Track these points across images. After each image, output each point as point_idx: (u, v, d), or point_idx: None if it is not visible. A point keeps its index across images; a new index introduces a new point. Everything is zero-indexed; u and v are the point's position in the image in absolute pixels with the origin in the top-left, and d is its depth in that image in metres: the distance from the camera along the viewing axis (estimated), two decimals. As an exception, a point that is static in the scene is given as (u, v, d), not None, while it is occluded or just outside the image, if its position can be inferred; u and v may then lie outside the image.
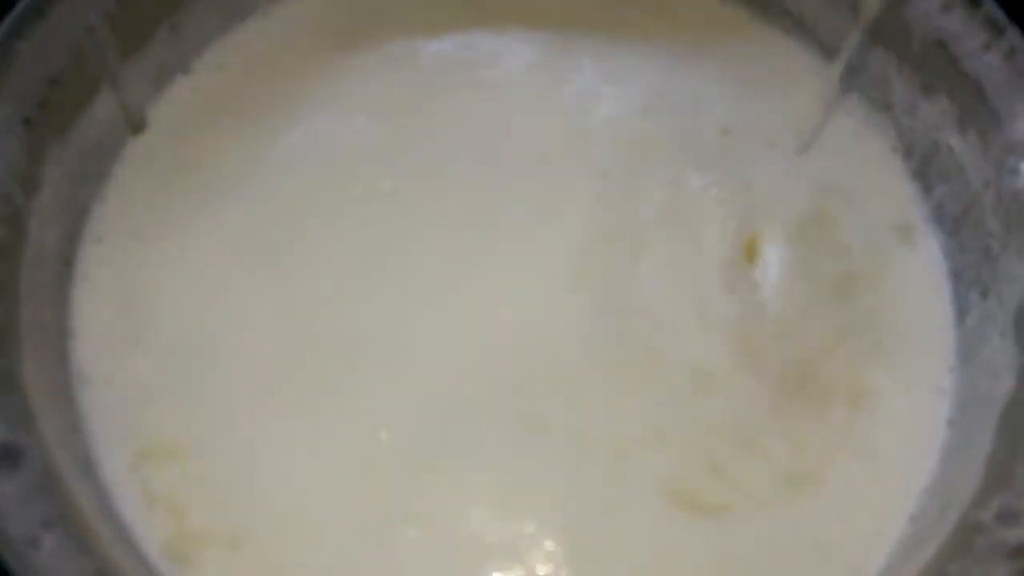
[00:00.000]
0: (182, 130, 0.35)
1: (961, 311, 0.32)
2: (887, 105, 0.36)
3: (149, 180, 0.34)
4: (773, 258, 0.33)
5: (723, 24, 0.38)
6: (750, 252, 0.33)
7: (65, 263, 0.32)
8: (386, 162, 0.34)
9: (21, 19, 0.30)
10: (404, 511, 0.29)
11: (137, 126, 0.34)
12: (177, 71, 0.36)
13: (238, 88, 0.36)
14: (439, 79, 0.36)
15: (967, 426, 0.30)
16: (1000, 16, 0.32)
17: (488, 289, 0.32)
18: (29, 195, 0.30)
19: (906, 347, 0.32)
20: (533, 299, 0.32)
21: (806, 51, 0.37)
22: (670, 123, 0.36)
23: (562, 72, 0.37)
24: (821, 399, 0.31)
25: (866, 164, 0.36)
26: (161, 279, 0.32)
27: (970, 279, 0.32)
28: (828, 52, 0.37)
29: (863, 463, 0.30)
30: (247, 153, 0.35)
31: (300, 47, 0.37)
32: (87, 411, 0.30)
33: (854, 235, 0.34)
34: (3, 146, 0.29)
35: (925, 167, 0.35)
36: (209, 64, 0.36)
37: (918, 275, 0.34)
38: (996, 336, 0.30)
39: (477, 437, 0.30)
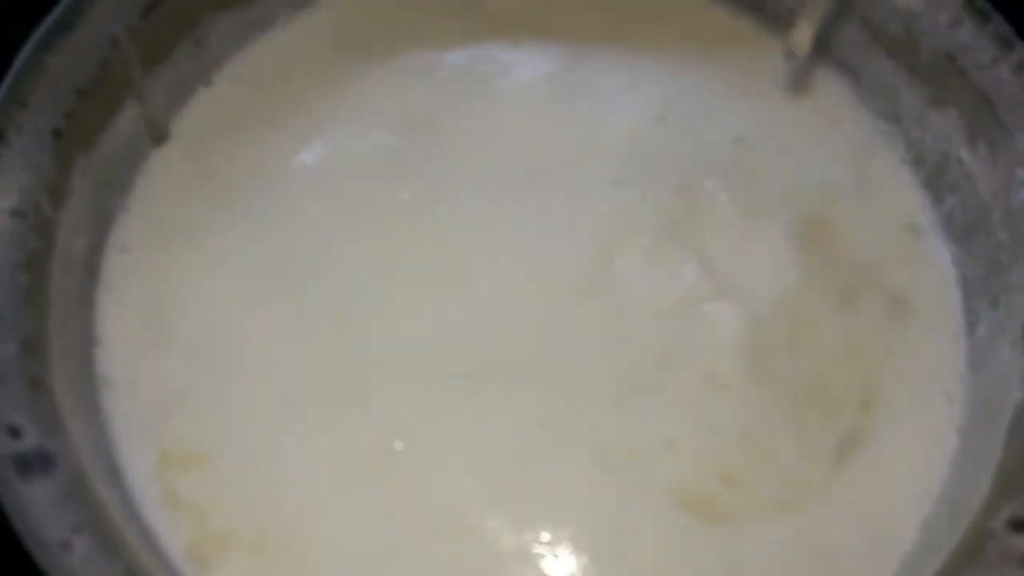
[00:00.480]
0: (203, 142, 0.36)
1: (971, 321, 0.33)
2: (897, 117, 0.36)
3: (171, 191, 0.35)
4: (785, 266, 0.34)
5: (736, 38, 0.39)
6: (758, 256, 0.34)
7: (90, 272, 0.32)
8: (403, 173, 0.35)
9: (50, 32, 0.31)
10: (419, 519, 0.29)
11: (159, 138, 0.35)
12: (199, 84, 0.36)
13: (257, 100, 0.37)
14: (454, 91, 0.37)
15: (977, 435, 0.30)
16: (1009, 32, 0.33)
17: (504, 298, 0.33)
18: (57, 205, 0.30)
19: (916, 356, 0.32)
20: (548, 308, 0.33)
21: (818, 64, 0.38)
22: (683, 133, 0.36)
23: (575, 83, 0.37)
24: (832, 407, 0.32)
25: (876, 174, 0.36)
26: (183, 288, 0.33)
27: (980, 289, 0.33)
28: (838, 65, 0.38)
29: (873, 471, 0.30)
30: (267, 164, 0.35)
31: (318, 60, 0.38)
32: (112, 417, 0.30)
33: (864, 244, 0.35)
34: (33, 157, 0.30)
35: (935, 178, 0.35)
36: (229, 76, 0.37)
37: (928, 285, 0.34)
38: (1006, 347, 0.31)
39: (491, 446, 0.30)
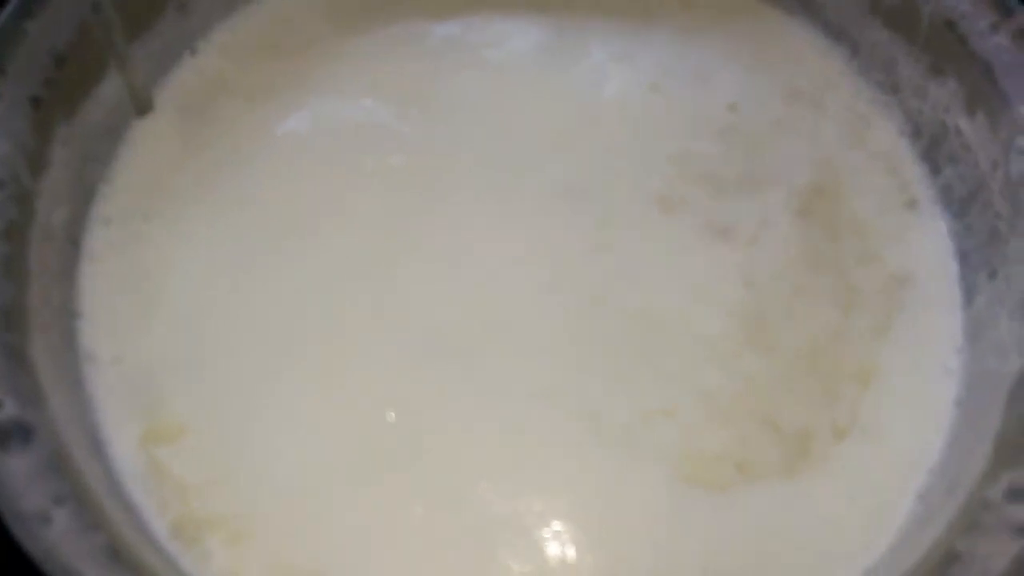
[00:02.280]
0: (188, 112, 0.35)
1: (969, 292, 0.32)
2: (894, 87, 0.36)
3: (155, 162, 0.34)
4: (779, 236, 0.33)
5: (731, 5, 0.38)
6: (757, 227, 0.33)
7: (72, 243, 0.32)
8: (394, 142, 0.34)
9: (28, -3, 0.30)
10: (411, 489, 0.29)
11: (143, 107, 0.34)
12: (184, 52, 0.36)
13: (244, 70, 0.36)
14: (446, 60, 0.36)
15: (975, 405, 0.30)
16: (1010, -3, 0.32)
17: (496, 267, 0.32)
18: (37, 175, 0.30)
19: (914, 328, 0.32)
20: (543, 276, 0.32)
21: (812, 32, 0.37)
22: (678, 99, 0.36)
23: (570, 52, 0.37)
24: (830, 377, 0.31)
25: (872, 145, 0.35)
26: (167, 260, 0.32)
27: (978, 261, 0.32)
28: (834, 33, 0.37)
29: (872, 441, 0.30)
30: (253, 134, 0.35)
31: (306, 29, 0.37)
32: (95, 391, 0.30)
33: (862, 216, 0.34)
34: (12, 125, 0.29)
35: (933, 149, 0.35)
36: (215, 45, 0.36)
37: (925, 256, 0.34)
38: (1004, 317, 0.30)
39: (485, 415, 0.30)
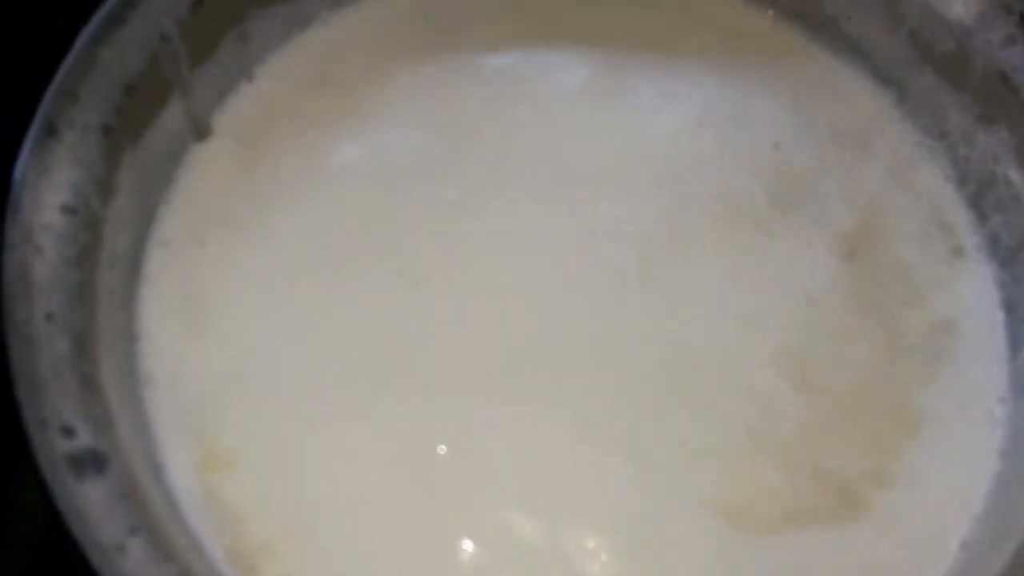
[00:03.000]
0: (245, 137, 0.35)
1: (1015, 343, 0.33)
2: (942, 134, 0.36)
3: (212, 185, 0.34)
4: (827, 279, 0.34)
5: (778, 45, 0.38)
6: (803, 268, 0.34)
7: (133, 267, 0.32)
8: (446, 173, 0.35)
9: (102, 25, 0.31)
10: (459, 524, 0.29)
11: (203, 133, 0.35)
12: (241, 79, 0.36)
13: (299, 97, 0.36)
14: (499, 93, 0.37)
15: (1019, 456, 0.30)
16: (1060, 50, 0.33)
17: (544, 299, 0.33)
18: (105, 202, 0.30)
19: (959, 378, 0.32)
20: (588, 310, 0.32)
21: (861, 75, 0.38)
22: (724, 137, 0.36)
23: (619, 87, 0.37)
24: (875, 423, 0.31)
25: (919, 191, 0.36)
26: (223, 282, 0.32)
27: (1025, 314, 0.33)
28: (882, 78, 0.37)
29: (916, 489, 0.30)
30: (307, 161, 0.35)
31: (359, 58, 0.37)
32: (153, 414, 0.30)
33: (907, 261, 0.34)
34: (83, 152, 0.29)
35: (980, 196, 0.35)
36: (271, 73, 0.37)
37: (970, 305, 0.34)
38: (1052, 366, 0.31)
39: (532, 450, 0.30)
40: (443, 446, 0.30)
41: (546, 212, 0.34)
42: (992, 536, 0.29)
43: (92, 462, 0.25)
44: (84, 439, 0.25)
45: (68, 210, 0.29)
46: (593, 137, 0.36)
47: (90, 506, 0.24)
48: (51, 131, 0.29)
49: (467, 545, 0.29)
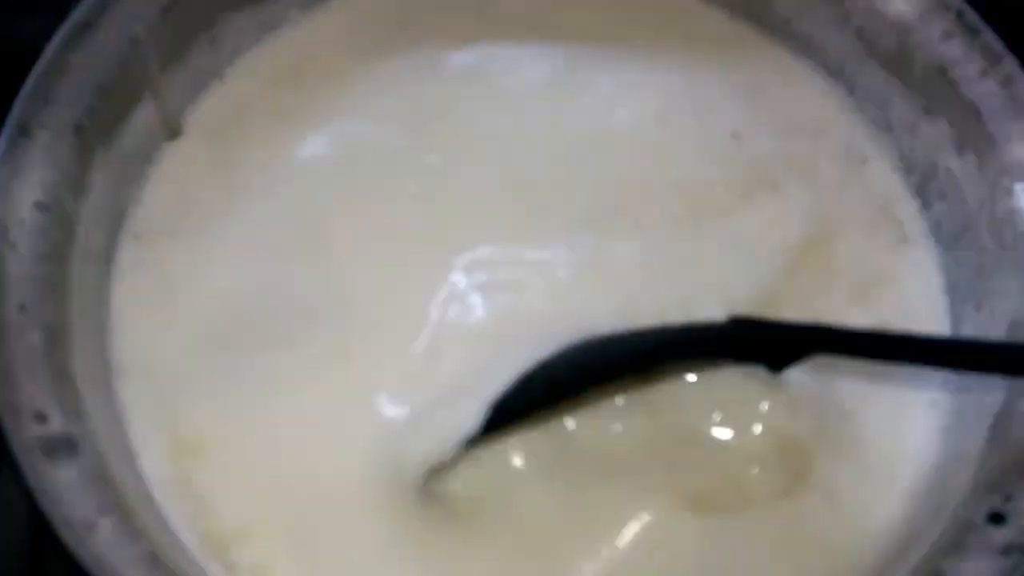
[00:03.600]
0: (215, 135, 0.36)
1: (956, 323, 0.34)
2: (888, 125, 0.37)
3: (183, 183, 0.35)
4: (776, 265, 0.35)
5: (735, 42, 0.40)
6: (754, 255, 0.35)
7: (106, 261, 0.33)
8: (411, 166, 0.36)
9: (73, 31, 0.32)
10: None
11: (174, 132, 0.36)
12: (213, 79, 0.37)
13: (268, 95, 0.37)
14: (462, 89, 0.38)
15: (960, 435, 0.31)
16: (998, 45, 0.34)
17: (512, 289, 0.34)
18: (77, 199, 0.31)
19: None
20: (545, 298, 0.33)
21: (812, 69, 0.39)
22: (683, 128, 0.37)
23: (578, 82, 0.38)
24: (825, 402, 0.33)
25: (868, 180, 0.37)
26: (191, 275, 0.33)
27: (965, 293, 0.34)
28: (833, 73, 0.39)
29: (860, 468, 0.32)
30: (276, 156, 0.36)
31: (327, 57, 0.38)
32: (125, 403, 0.31)
33: (855, 248, 0.36)
34: (56, 152, 0.30)
35: (924, 185, 0.36)
36: (241, 71, 0.38)
37: (916, 288, 0.35)
38: (990, 347, 0.32)
39: None
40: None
41: (506, 208, 0.35)
42: (934, 508, 0.30)
43: (64, 446, 0.26)
44: (56, 425, 0.26)
45: (41, 207, 0.30)
46: (554, 129, 0.37)
47: (62, 487, 0.25)
48: (24, 132, 0.30)
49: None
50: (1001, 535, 0.26)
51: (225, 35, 0.37)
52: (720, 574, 0.30)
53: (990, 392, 0.31)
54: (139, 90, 0.34)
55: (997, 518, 0.26)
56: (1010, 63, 0.34)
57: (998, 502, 0.27)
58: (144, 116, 0.34)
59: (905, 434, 0.32)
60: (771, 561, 0.30)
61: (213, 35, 0.36)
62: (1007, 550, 0.26)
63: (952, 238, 0.35)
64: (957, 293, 0.35)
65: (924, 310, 0.35)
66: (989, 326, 0.33)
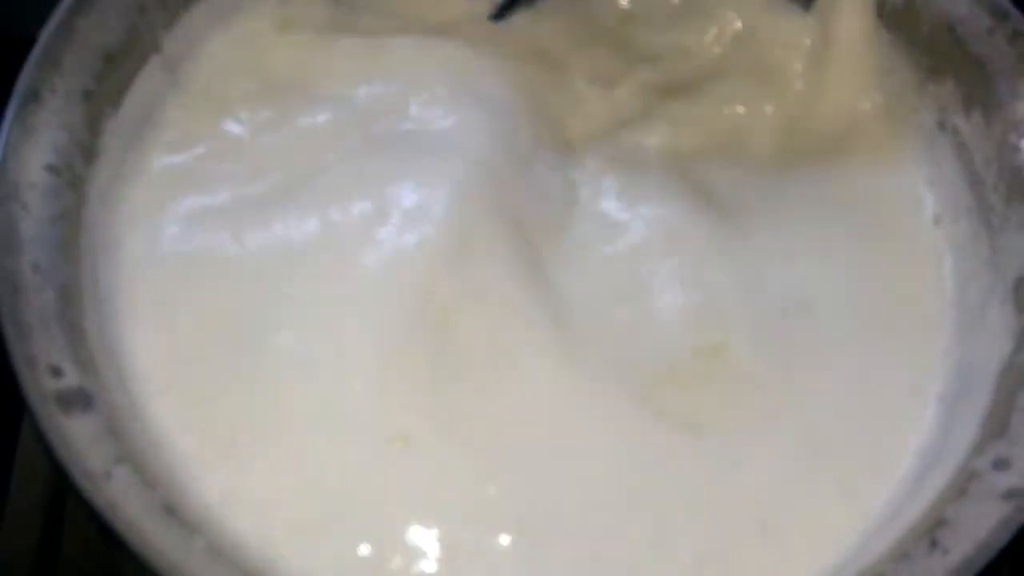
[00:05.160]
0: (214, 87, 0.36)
1: (964, 280, 0.34)
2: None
3: (184, 143, 0.35)
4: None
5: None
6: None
7: (111, 225, 0.33)
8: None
9: (80, -4, 0.32)
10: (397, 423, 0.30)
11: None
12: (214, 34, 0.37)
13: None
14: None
15: (968, 385, 0.31)
16: (1005, 1, 0.34)
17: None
18: (87, 163, 0.32)
19: (911, 310, 0.34)
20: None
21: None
22: None
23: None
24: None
25: (878, 140, 0.37)
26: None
27: (970, 251, 0.34)
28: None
29: (874, 413, 0.32)
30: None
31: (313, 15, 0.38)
32: (136, 361, 0.31)
33: (864, 205, 0.36)
34: (66, 116, 0.31)
35: (932, 144, 0.36)
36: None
37: (923, 247, 0.35)
38: (996, 303, 0.32)
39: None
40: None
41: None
42: (940, 459, 0.30)
43: (79, 399, 0.26)
44: (71, 379, 0.26)
45: (52, 170, 0.30)
46: None
47: (78, 439, 0.25)
48: (34, 96, 0.31)
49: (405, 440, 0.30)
50: (1004, 481, 0.26)
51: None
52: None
53: (998, 342, 0.31)
54: (146, 54, 0.34)
55: (1001, 464, 0.27)
56: (1017, 20, 0.34)
57: (1002, 449, 0.27)
58: (150, 81, 0.35)
59: (915, 384, 0.32)
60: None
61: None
62: (1009, 495, 0.26)
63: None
64: (964, 251, 0.35)
65: (930, 266, 0.35)
66: (996, 283, 0.33)
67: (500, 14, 0.40)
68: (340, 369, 0.31)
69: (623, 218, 0.35)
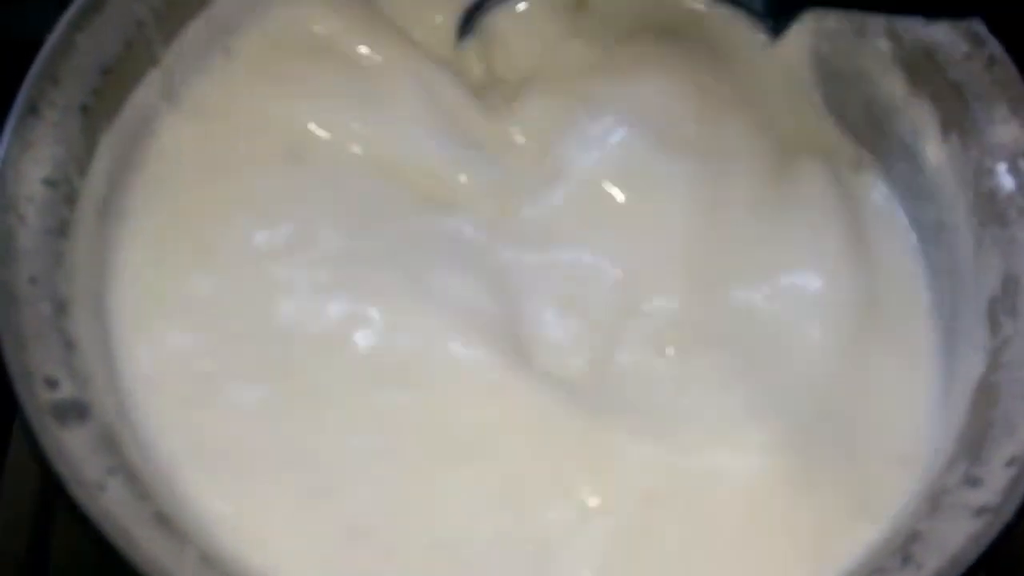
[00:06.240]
0: (210, 109, 0.37)
1: (939, 305, 0.35)
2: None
3: (179, 159, 0.36)
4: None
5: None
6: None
7: (105, 238, 0.33)
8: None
9: (80, 13, 0.33)
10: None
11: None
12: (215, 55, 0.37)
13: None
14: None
15: (945, 406, 0.32)
16: (982, 28, 0.35)
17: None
18: (83, 176, 0.32)
19: (894, 331, 0.35)
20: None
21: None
22: None
23: None
24: None
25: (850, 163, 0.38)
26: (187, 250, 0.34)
27: (948, 271, 0.35)
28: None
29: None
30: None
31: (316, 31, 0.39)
32: (128, 372, 0.31)
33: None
34: (64, 130, 0.31)
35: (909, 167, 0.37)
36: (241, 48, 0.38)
37: (901, 265, 0.36)
38: (970, 323, 0.33)
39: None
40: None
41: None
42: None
43: (75, 411, 0.27)
44: (66, 390, 0.27)
45: (49, 183, 0.31)
46: None
47: (73, 449, 0.26)
48: (33, 110, 0.31)
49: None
50: (975, 497, 0.27)
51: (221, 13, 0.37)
52: None
53: (973, 362, 0.31)
54: (143, 70, 0.35)
55: (972, 481, 0.27)
56: (993, 46, 0.35)
57: (974, 468, 0.28)
58: (146, 95, 0.35)
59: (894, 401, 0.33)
60: None
61: (211, 15, 0.37)
62: (980, 511, 0.27)
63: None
64: (938, 268, 0.35)
65: (908, 284, 0.36)
66: (972, 303, 0.33)
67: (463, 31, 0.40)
68: None
69: None
